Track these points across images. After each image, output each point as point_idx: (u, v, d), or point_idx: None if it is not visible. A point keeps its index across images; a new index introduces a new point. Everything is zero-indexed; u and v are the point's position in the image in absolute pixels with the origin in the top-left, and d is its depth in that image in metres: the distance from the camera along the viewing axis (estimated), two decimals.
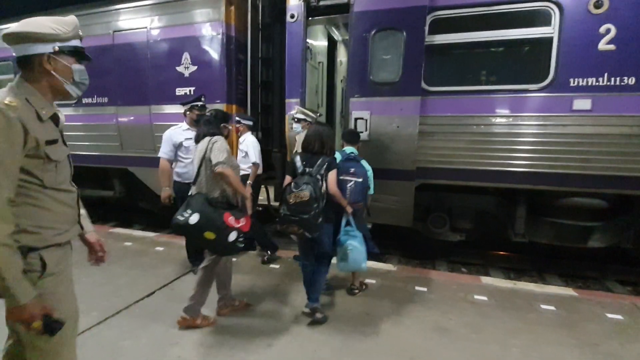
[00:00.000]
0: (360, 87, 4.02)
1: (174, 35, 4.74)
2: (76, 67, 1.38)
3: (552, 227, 3.95)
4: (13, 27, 1.28)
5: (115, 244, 4.52)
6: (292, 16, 4.20)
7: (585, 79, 3.41)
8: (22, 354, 1.37)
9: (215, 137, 2.61)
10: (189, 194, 2.69)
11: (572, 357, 2.41)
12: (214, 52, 4.57)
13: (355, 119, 4.02)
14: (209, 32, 4.56)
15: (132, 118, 5.06)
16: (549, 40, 3.48)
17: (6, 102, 1.21)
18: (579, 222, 3.82)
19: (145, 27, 4.87)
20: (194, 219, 2.35)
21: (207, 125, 2.70)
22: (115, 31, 5.08)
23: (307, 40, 4.41)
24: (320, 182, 2.61)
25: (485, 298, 3.25)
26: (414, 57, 3.77)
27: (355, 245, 2.78)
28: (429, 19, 3.74)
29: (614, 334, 2.70)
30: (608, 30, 3.31)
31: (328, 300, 3.16)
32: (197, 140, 2.73)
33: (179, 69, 4.73)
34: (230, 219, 2.42)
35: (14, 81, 1.32)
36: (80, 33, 1.42)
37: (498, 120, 3.69)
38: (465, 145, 3.80)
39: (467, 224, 4.32)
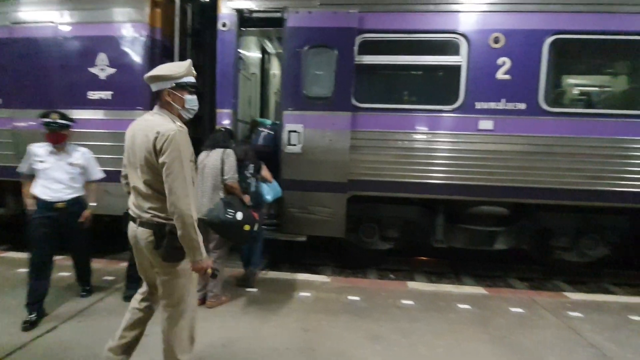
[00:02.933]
0: (294, 101, 4.07)
1: (88, 33, 4.27)
2: (187, 97, 1.83)
3: (465, 233, 4.41)
4: (152, 71, 1.79)
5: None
6: (224, 24, 4.10)
7: (487, 103, 3.94)
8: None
9: (229, 151, 3.14)
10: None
11: (486, 351, 2.69)
12: (136, 55, 4.22)
13: (289, 132, 4.04)
14: (131, 33, 4.21)
15: (32, 123, 4.38)
16: (459, 67, 3.95)
17: (181, 125, 1.75)
18: (486, 228, 4.33)
19: (53, 22, 4.31)
20: (240, 215, 2.86)
21: (223, 137, 3.24)
22: (14, 23, 4.40)
23: (240, 50, 4.33)
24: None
25: (412, 302, 3.46)
26: (345, 74, 3.95)
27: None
28: (358, 39, 3.97)
29: (517, 326, 3.09)
30: (504, 63, 3.88)
31: (264, 318, 3.07)
32: (208, 148, 3.18)
33: (93, 70, 4.26)
34: (255, 214, 3.06)
35: (157, 109, 1.82)
36: (193, 71, 1.86)
37: (418, 136, 4.03)
38: (391, 159, 4.07)
39: (395, 233, 4.59)
